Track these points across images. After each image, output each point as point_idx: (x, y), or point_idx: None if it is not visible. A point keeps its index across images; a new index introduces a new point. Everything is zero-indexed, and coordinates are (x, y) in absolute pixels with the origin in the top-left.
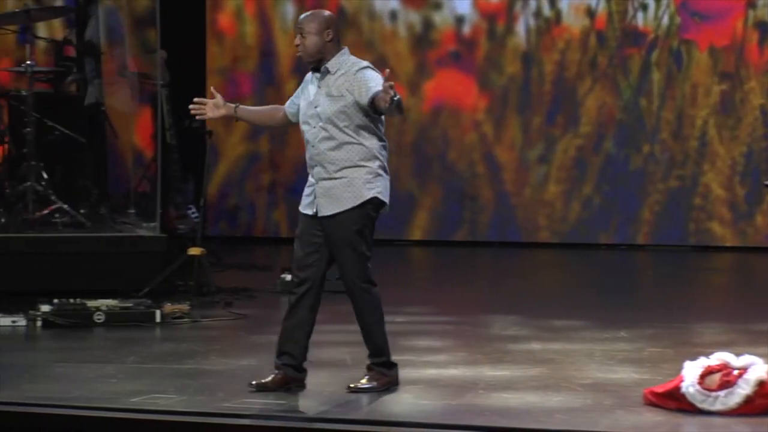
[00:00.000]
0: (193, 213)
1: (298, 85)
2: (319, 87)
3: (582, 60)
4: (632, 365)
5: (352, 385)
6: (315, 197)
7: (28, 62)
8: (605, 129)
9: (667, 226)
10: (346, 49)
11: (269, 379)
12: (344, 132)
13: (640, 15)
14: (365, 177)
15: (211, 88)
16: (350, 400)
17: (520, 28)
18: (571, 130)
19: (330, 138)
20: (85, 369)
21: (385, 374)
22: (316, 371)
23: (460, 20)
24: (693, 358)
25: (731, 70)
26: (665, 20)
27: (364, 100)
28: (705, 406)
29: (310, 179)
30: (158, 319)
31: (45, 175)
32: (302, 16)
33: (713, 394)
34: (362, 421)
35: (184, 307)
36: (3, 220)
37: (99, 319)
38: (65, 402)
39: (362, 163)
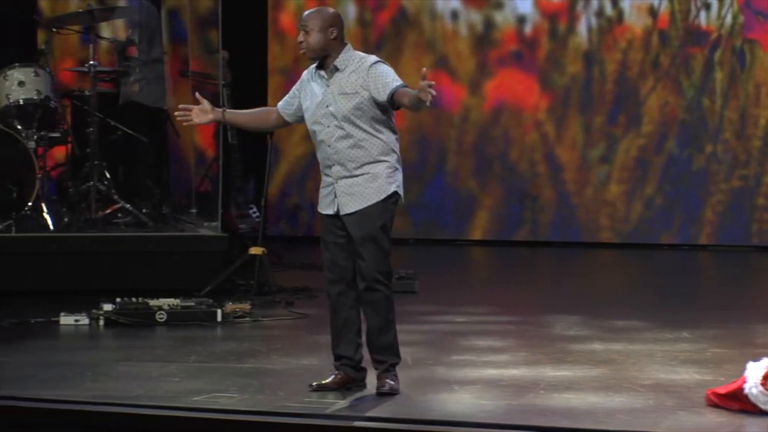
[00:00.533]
0: (254, 212)
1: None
2: (328, 86)
3: (644, 59)
4: (694, 366)
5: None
6: (335, 196)
7: (92, 62)
8: (667, 129)
9: (730, 227)
10: (349, 46)
11: (329, 380)
12: (361, 129)
13: (702, 14)
14: (386, 171)
15: (196, 94)
16: (411, 399)
17: (581, 27)
18: (633, 130)
19: (348, 136)
20: (147, 368)
21: (396, 375)
22: (372, 371)
23: (521, 20)
24: (756, 359)
25: None
26: (728, 19)
27: (383, 96)
28: None
29: (327, 179)
30: (219, 318)
31: (108, 175)
32: (306, 13)
33: None
34: (422, 420)
35: (246, 306)
36: (66, 219)
37: (161, 318)
38: (128, 401)
39: (382, 158)
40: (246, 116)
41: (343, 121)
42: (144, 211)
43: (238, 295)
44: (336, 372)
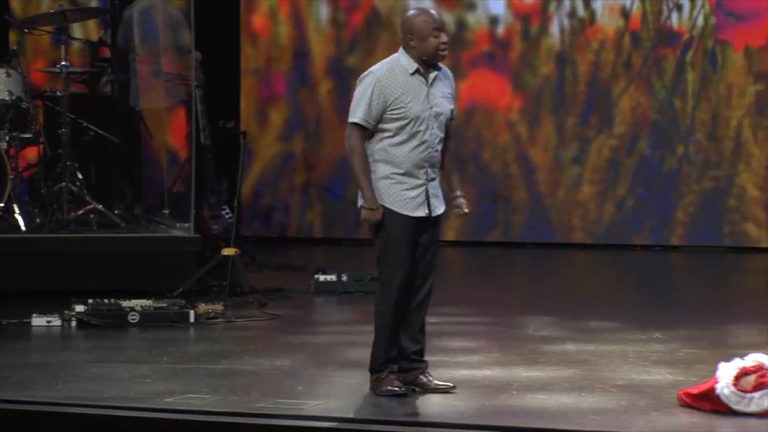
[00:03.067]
0: (227, 213)
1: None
2: (430, 86)
3: (616, 60)
4: (667, 366)
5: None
6: (427, 198)
7: (64, 63)
8: (639, 130)
9: (702, 227)
10: None
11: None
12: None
13: (674, 15)
14: None
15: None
16: (383, 401)
17: (554, 28)
18: (605, 131)
19: (442, 140)
20: (119, 369)
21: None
22: (350, 371)
23: (494, 21)
24: (728, 359)
25: (766, 71)
26: (700, 20)
27: (453, 115)
28: (740, 407)
29: (415, 180)
30: (192, 319)
31: (80, 176)
32: (435, 12)
33: (748, 395)
34: (396, 422)
35: (218, 307)
36: (38, 220)
37: (133, 320)
38: (100, 402)
39: None
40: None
41: (443, 123)
42: (116, 212)
43: (211, 296)
44: (394, 375)
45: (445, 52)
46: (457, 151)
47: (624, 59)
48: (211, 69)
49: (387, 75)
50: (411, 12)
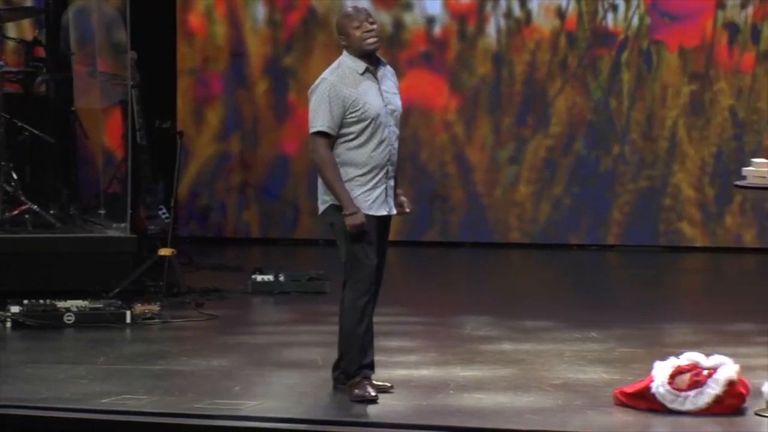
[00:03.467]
0: (163, 213)
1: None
2: (379, 83)
3: (552, 60)
4: (602, 365)
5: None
6: (387, 196)
7: None
8: (575, 130)
9: (637, 227)
10: None
11: (373, 388)
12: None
13: (610, 16)
14: None
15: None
16: (321, 401)
17: (490, 28)
18: (542, 131)
19: (398, 136)
20: (55, 370)
21: None
22: (287, 372)
23: (430, 21)
24: (663, 358)
25: (701, 71)
26: (635, 21)
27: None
28: (675, 406)
29: (376, 179)
30: (128, 319)
31: (15, 176)
32: (359, 5)
33: (683, 394)
34: (333, 422)
35: (155, 307)
36: None
37: (69, 320)
38: (35, 403)
39: None
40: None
41: (398, 120)
42: (52, 212)
43: (148, 296)
44: (368, 381)
45: (372, 39)
46: None
47: (560, 59)
48: (147, 69)
49: (339, 79)
50: (339, 13)
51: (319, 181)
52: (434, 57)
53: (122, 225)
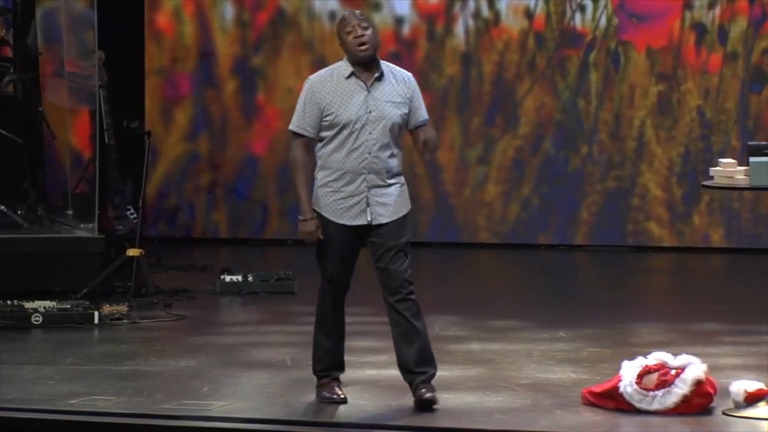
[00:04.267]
0: (131, 214)
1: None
2: (369, 91)
3: (521, 61)
4: (571, 365)
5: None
6: (367, 206)
7: None
8: (544, 130)
9: (606, 227)
10: None
11: (342, 391)
12: (396, 139)
13: (578, 16)
14: (405, 184)
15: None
16: (289, 401)
17: (459, 29)
18: (510, 131)
19: (389, 145)
20: (22, 371)
21: None
22: (256, 372)
23: (399, 21)
24: (631, 357)
25: (668, 71)
26: (603, 21)
27: (416, 119)
28: (643, 405)
29: (352, 188)
30: (96, 320)
31: None
32: (354, 10)
33: (651, 393)
34: (302, 422)
35: (123, 308)
36: None
37: (36, 321)
38: (3, 404)
39: (400, 171)
40: (309, 183)
41: (389, 129)
42: (19, 212)
43: (116, 296)
44: (336, 382)
45: (365, 46)
46: None
47: (528, 60)
48: (114, 68)
49: (320, 81)
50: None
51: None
52: (403, 57)
53: (90, 225)
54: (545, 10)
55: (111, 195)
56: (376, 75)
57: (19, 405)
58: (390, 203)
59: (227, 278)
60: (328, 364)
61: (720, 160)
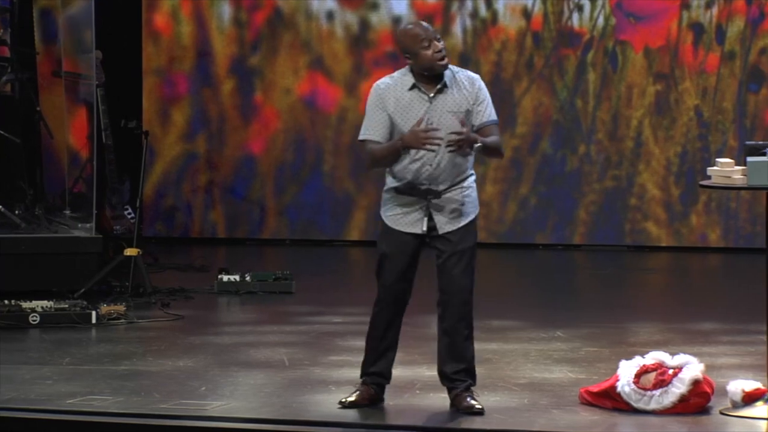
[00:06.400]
0: (129, 213)
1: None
2: (431, 102)
3: (518, 61)
4: (568, 365)
5: None
6: (428, 215)
7: None
8: (541, 129)
9: (603, 227)
10: None
11: (356, 396)
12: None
13: (575, 16)
14: (474, 185)
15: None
16: (287, 401)
17: (456, 28)
18: (508, 131)
19: (452, 155)
20: (20, 370)
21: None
22: (254, 372)
23: (397, 21)
24: (628, 357)
25: (666, 71)
26: (600, 21)
27: (479, 121)
28: (640, 405)
29: (409, 198)
30: (94, 320)
31: None
32: (424, 23)
33: (648, 393)
34: (299, 421)
35: (121, 308)
36: None
37: (34, 321)
38: (0, 404)
39: (471, 172)
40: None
41: (451, 139)
42: (17, 212)
43: (113, 296)
44: (362, 387)
45: (444, 60)
46: (360, 152)
47: (526, 59)
48: (112, 68)
49: (386, 89)
50: (401, 29)
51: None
52: (400, 57)
53: (88, 225)
54: (543, 9)
55: (109, 195)
56: (438, 86)
57: (16, 405)
58: (456, 210)
59: (225, 278)
60: (368, 369)
61: (717, 159)
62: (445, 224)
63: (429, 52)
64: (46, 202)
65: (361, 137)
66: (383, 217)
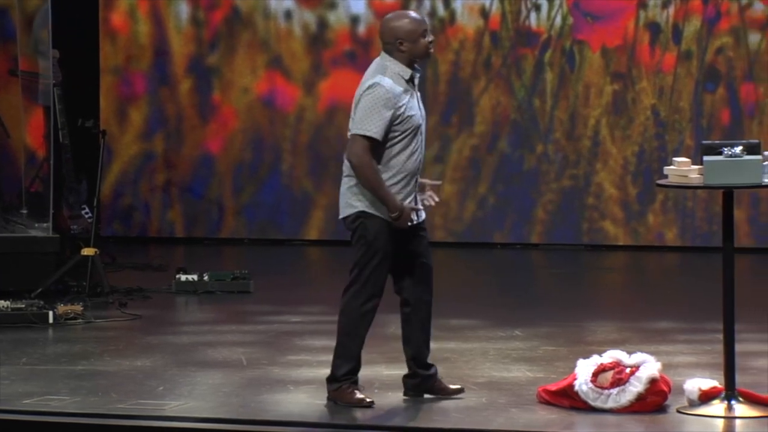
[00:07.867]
0: (86, 213)
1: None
2: (413, 95)
3: (476, 60)
4: (526, 363)
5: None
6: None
7: None
8: (499, 129)
9: (561, 226)
10: None
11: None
12: None
13: (533, 15)
14: None
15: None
16: (245, 400)
17: None
18: (466, 130)
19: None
20: None
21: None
22: (211, 371)
23: (354, 20)
24: (586, 356)
25: (623, 71)
26: (558, 20)
27: None
28: (598, 403)
29: (407, 189)
30: (51, 320)
31: None
32: (417, 14)
33: (606, 391)
34: (257, 421)
35: (78, 307)
36: None
37: None
38: None
39: None
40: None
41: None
42: None
43: (71, 296)
44: (357, 386)
45: (433, 48)
46: (319, 150)
47: (484, 59)
48: (69, 67)
49: (393, 85)
50: (393, 16)
51: (346, 185)
52: (358, 56)
53: (45, 225)
54: (500, 9)
55: (66, 194)
56: (418, 75)
57: None
58: (419, 200)
59: (183, 277)
60: (352, 367)
61: (674, 159)
62: (422, 213)
63: (426, 41)
64: (3, 201)
65: (367, 133)
66: (379, 214)
